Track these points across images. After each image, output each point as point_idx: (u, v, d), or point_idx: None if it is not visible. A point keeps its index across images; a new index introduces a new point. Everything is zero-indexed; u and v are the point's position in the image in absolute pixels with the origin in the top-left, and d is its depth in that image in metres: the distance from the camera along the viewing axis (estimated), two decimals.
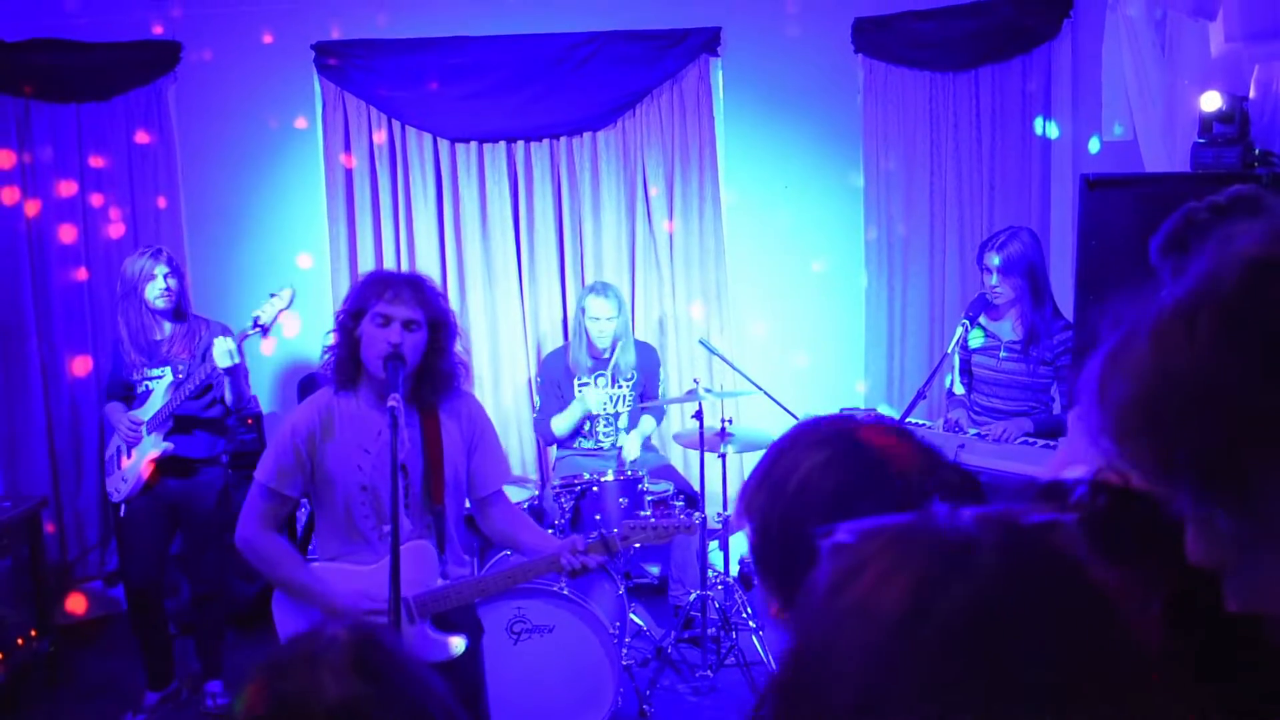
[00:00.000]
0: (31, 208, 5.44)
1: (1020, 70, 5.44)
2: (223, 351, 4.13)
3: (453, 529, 3.00)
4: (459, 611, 2.97)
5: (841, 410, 4.87)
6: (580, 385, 5.22)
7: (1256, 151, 3.51)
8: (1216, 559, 0.82)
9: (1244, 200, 2.23)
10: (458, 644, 2.89)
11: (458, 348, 2.99)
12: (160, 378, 4.37)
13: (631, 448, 5.10)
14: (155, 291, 4.32)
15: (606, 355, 5.19)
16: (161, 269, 4.32)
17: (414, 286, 2.86)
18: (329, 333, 2.97)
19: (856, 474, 1.14)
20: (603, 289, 5.19)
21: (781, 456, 1.20)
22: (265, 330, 4.18)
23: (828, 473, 1.15)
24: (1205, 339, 0.75)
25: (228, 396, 4.38)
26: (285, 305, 4.17)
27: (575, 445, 5.27)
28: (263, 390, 5.60)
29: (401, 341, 2.78)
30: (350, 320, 2.86)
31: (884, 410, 4.79)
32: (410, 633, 2.83)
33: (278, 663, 1.18)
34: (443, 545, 2.94)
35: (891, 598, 0.70)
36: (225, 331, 4.45)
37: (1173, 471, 0.78)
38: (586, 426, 5.24)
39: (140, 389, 4.40)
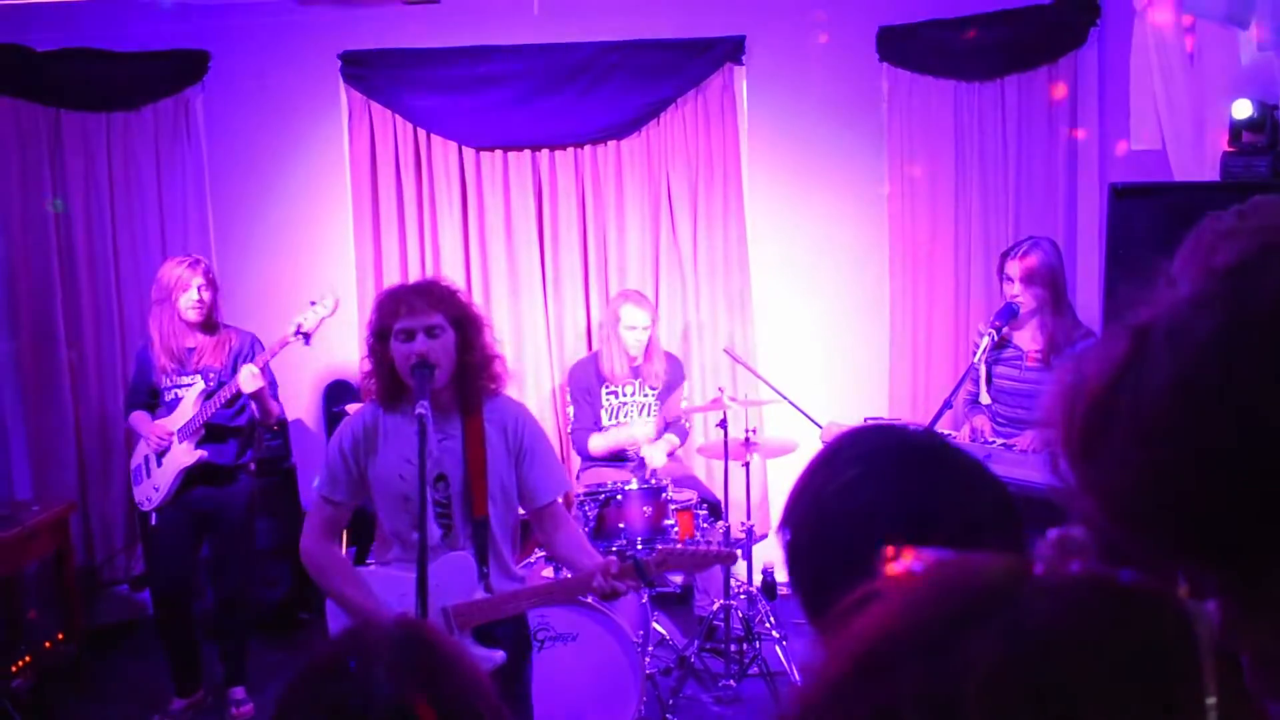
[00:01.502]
0: (61, 216, 5.50)
1: (1046, 79, 5.42)
2: (247, 376, 4.23)
3: (500, 540, 2.96)
4: (505, 626, 2.95)
5: (865, 419, 4.86)
6: (609, 393, 5.22)
7: None
8: (1255, 645, 0.69)
9: (1266, 209, 2.20)
10: (496, 659, 2.88)
11: (493, 339, 2.98)
12: (191, 385, 4.41)
13: (657, 456, 5.09)
14: (188, 302, 4.35)
15: (638, 363, 5.19)
16: (197, 280, 4.36)
17: (425, 292, 2.87)
18: (363, 358, 3.01)
19: (889, 494, 1.13)
20: (639, 298, 5.18)
21: (819, 468, 1.18)
22: (308, 337, 4.23)
23: (860, 490, 1.13)
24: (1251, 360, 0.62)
25: (257, 414, 4.45)
26: (328, 314, 4.25)
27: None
28: (289, 395, 5.63)
29: (427, 350, 2.78)
30: (378, 344, 2.88)
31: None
32: None
33: (324, 663, 1.18)
34: (485, 557, 2.90)
35: (916, 627, 0.62)
36: (255, 341, 4.50)
37: (1212, 545, 0.65)
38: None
39: (169, 396, 4.44)
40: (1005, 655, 0.58)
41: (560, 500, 3.05)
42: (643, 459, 5.09)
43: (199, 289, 4.35)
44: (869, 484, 1.12)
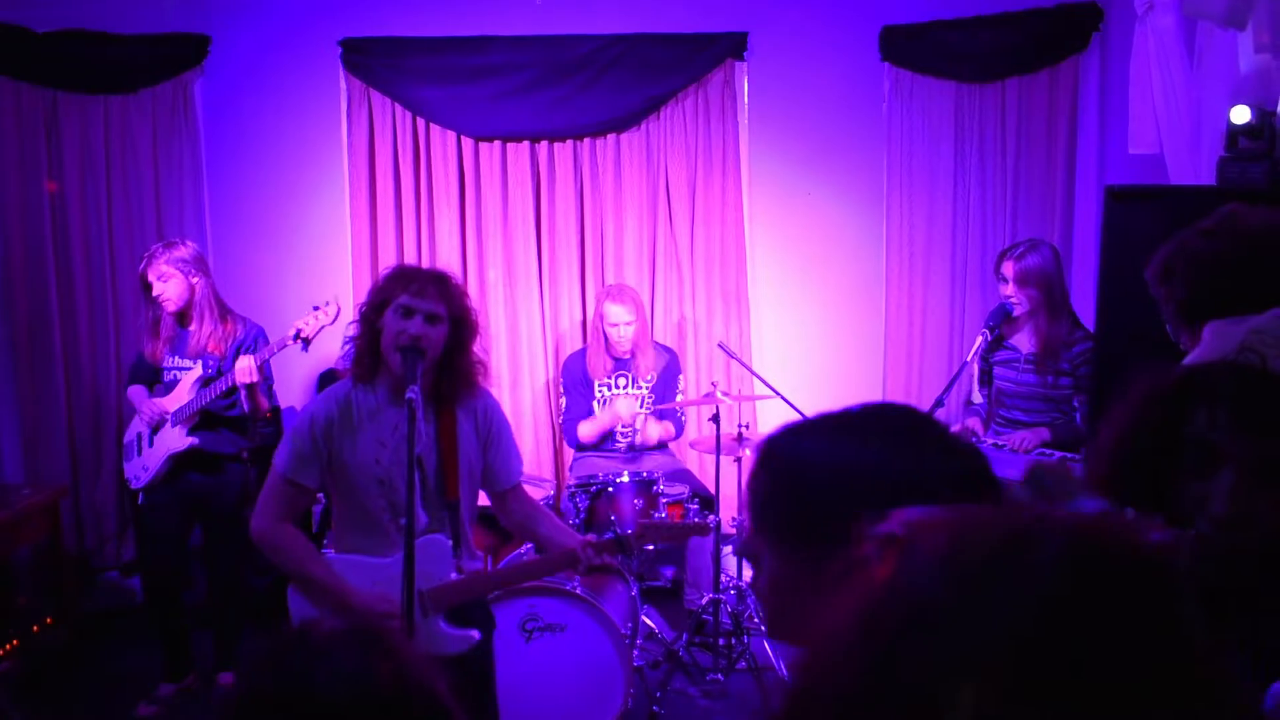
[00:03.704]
0: (57, 199, 5.49)
1: (1047, 82, 5.42)
2: (243, 369, 4.23)
3: (466, 523, 3.00)
4: (472, 606, 2.98)
5: None
6: (601, 385, 5.23)
7: None
8: None
9: (1227, 223, 2.22)
10: (471, 638, 2.90)
11: (482, 349, 3.01)
12: (190, 369, 4.41)
13: (651, 431, 5.13)
14: (159, 296, 4.37)
15: (627, 357, 5.21)
16: (151, 275, 4.35)
17: (439, 282, 2.88)
18: (350, 323, 3.01)
19: (871, 454, 1.12)
20: (619, 294, 5.19)
21: (802, 427, 1.17)
22: (307, 343, 4.23)
23: (843, 448, 1.13)
24: None
25: (245, 406, 4.42)
26: (329, 321, 4.23)
27: (594, 447, 5.28)
28: (282, 383, 5.62)
29: (422, 334, 2.79)
30: (372, 312, 2.87)
31: None
32: (424, 626, 2.84)
33: (274, 656, 1.17)
34: (457, 539, 2.93)
35: (935, 581, 0.63)
36: (260, 334, 4.50)
37: None
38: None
39: (168, 377, 4.46)
40: (1030, 611, 0.60)
41: (522, 482, 3.13)
42: (631, 439, 5.11)
43: (158, 280, 4.33)
44: (852, 444, 1.12)
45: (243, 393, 4.34)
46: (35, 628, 4.88)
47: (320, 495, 3.25)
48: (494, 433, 3.03)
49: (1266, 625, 1.13)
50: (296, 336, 4.21)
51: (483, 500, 3.14)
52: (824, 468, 1.12)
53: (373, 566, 2.88)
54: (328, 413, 2.91)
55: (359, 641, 1.16)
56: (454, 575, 2.90)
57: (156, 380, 4.52)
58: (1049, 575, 0.61)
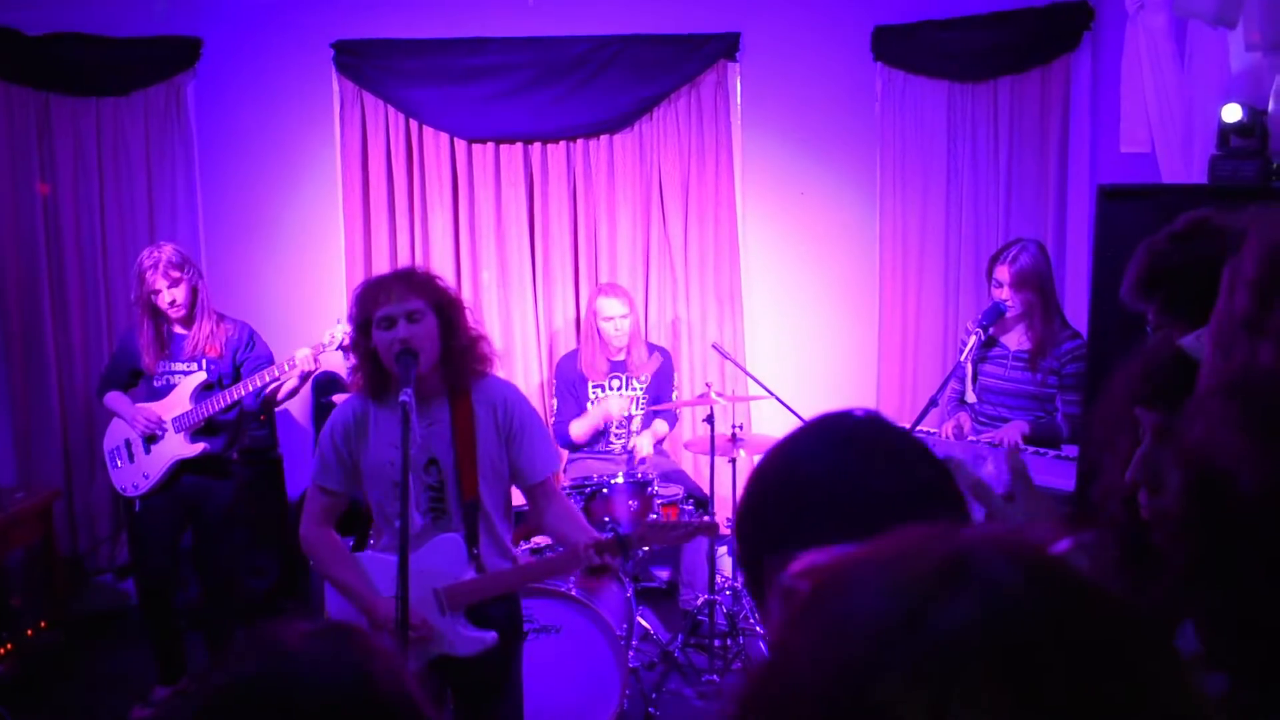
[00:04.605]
0: (49, 202, 5.48)
1: (1039, 81, 5.43)
2: (305, 356, 4.25)
3: (496, 521, 2.98)
4: (497, 608, 2.97)
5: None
6: (595, 387, 5.23)
7: (1275, 165, 3.48)
8: None
9: (1200, 225, 2.22)
10: (486, 640, 2.90)
11: (474, 321, 2.98)
12: (188, 374, 4.38)
13: (644, 445, 5.10)
14: (164, 305, 4.32)
15: (622, 357, 5.20)
16: (162, 283, 4.29)
17: (405, 279, 2.89)
18: (338, 321, 2.99)
19: (826, 468, 1.13)
20: (611, 289, 5.20)
21: (768, 460, 1.19)
22: (348, 352, 4.24)
23: (800, 466, 1.15)
24: None
25: (295, 390, 4.42)
26: None
27: (588, 448, 5.28)
28: None
29: (409, 335, 2.79)
30: (361, 336, 2.88)
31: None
32: (441, 624, 2.87)
33: (252, 651, 1.17)
34: (475, 538, 2.91)
35: (877, 610, 0.62)
36: (253, 333, 4.51)
37: None
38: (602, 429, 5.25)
39: (160, 382, 4.41)
40: (983, 622, 0.60)
41: (552, 477, 3.06)
42: (630, 450, 5.10)
43: (169, 289, 4.28)
44: (807, 462, 1.14)
45: (299, 380, 4.35)
46: (29, 631, 4.87)
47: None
48: (516, 427, 2.96)
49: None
50: (341, 347, 4.20)
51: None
52: (779, 476, 1.14)
53: (396, 565, 2.90)
54: (344, 420, 2.98)
55: (337, 641, 1.16)
56: (470, 574, 2.90)
57: (133, 384, 4.49)
58: (1004, 585, 0.61)
